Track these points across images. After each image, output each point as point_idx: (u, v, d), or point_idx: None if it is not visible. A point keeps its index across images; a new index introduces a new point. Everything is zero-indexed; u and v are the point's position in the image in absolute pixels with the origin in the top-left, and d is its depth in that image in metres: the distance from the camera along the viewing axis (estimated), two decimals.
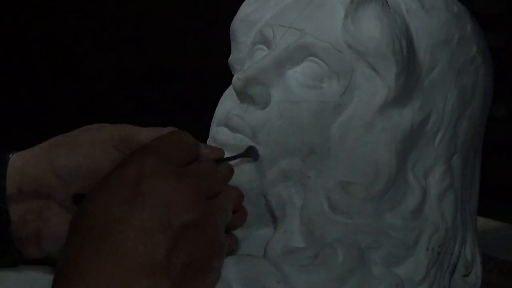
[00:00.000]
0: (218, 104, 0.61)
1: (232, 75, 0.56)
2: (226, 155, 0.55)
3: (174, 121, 0.54)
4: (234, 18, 0.63)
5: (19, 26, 1.88)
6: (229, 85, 0.58)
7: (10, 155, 0.52)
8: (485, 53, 0.61)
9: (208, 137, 0.60)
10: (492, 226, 0.98)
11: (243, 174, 0.55)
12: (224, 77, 0.63)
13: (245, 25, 0.62)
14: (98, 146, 0.51)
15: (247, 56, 0.62)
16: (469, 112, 0.59)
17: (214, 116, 0.61)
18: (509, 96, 1.00)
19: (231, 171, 0.53)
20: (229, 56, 0.65)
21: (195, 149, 0.50)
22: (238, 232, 0.55)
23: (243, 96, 0.56)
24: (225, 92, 0.61)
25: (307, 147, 0.55)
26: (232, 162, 0.54)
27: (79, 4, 1.74)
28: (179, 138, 0.49)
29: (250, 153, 0.55)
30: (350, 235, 0.53)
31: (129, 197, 0.43)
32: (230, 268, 0.49)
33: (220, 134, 0.57)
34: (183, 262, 0.42)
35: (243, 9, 0.63)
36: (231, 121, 0.56)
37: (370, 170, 0.54)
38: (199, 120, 0.65)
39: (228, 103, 0.58)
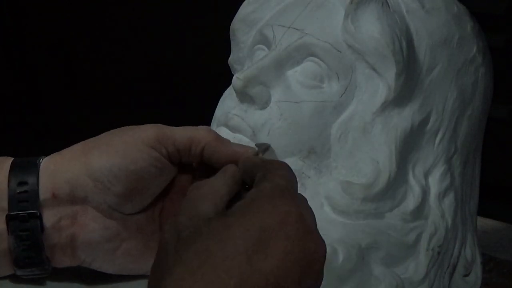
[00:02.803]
0: (218, 104, 0.61)
1: (232, 75, 0.56)
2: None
3: (174, 121, 0.53)
4: (234, 18, 0.63)
5: (19, 26, 1.88)
6: (229, 85, 0.58)
7: (40, 159, 0.49)
8: (485, 53, 0.61)
9: None
10: (492, 226, 0.98)
11: None
12: (224, 77, 0.63)
13: (245, 25, 0.62)
14: (135, 146, 0.48)
15: (247, 56, 0.62)
16: (469, 112, 0.59)
17: (214, 116, 0.61)
18: (509, 96, 1.00)
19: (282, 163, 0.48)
20: (229, 56, 0.65)
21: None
22: None
23: (243, 96, 0.56)
24: (225, 92, 0.61)
25: (307, 147, 0.55)
26: None
27: (79, 4, 1.73)
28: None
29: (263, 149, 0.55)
30: (350, 235, 0.53)
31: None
32: None
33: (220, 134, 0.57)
34: None
35: (243, 9, 0.63)
36: (231, 121, 0.56)
37: (370, 170, 0.54)
38: (199, 120, 0.65)
39: (228, 103, 0.58)
